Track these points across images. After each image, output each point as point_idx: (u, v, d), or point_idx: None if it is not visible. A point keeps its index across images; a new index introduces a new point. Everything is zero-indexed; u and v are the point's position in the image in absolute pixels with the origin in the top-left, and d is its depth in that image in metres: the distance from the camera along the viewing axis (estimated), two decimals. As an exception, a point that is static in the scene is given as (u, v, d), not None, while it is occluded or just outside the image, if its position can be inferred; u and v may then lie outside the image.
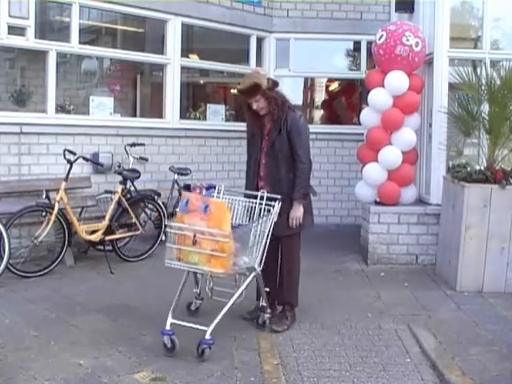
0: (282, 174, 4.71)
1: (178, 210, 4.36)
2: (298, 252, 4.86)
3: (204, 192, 4.68)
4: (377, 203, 7.14)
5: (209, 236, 4.07)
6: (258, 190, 4.70)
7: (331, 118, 10.29)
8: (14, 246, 6.08)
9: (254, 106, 4.66)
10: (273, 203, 4.48)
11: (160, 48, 8.34)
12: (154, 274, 6.41)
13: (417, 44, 6.93)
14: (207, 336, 4.06)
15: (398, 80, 6.93)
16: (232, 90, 10.42)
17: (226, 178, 8.72)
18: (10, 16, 6.63)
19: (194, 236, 4.07)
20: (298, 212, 4.68)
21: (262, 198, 4.53)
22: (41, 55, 7.21)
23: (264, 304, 4.69)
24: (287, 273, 4.83)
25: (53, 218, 6.08)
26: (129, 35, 9.28)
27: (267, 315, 4.70)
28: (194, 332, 4.15)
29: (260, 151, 4.79)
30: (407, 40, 6.91)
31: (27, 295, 5.46)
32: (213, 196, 4.71)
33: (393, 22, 7.84)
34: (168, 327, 4.16)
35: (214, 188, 4.75)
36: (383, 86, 7.04)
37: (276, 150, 4.70)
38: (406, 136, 7.02)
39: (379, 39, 7.08)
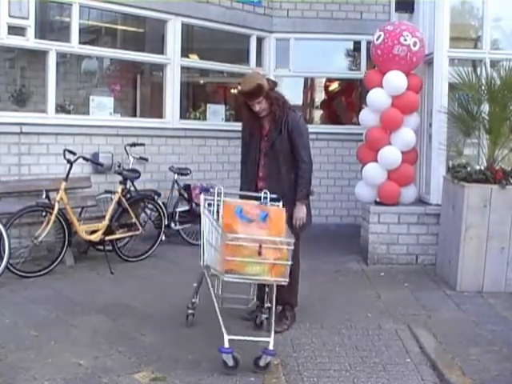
0: (282, 174, 4.70)
1: (221, 218, 4.09)
2: (298, 252, 4.81)
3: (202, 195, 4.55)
4: (377, 203, 7.14)
5: (271, 245, 3.91)
6: (257, 190, 4.64)
7: (331, 118, 10.29)
8: (14, 246, 6.08)
9: (257, 108, 4.63)
10: (276, 203, 4.43)
11: (160, 48, 8.34)
12: (154, 274, 6.41)
13: (415, 44, 6.93)
14: (271, 347, 3.92)
15: (396, 80, 6.93)
16: (232, 91, 10.42)
17: (225, 178, 8.72)
18: (10, 16, 6.63)
19: (260, 246, 3.85)
20: (301, 212, 4.67)
21: (264, 199, 4.43)
22: (41, 55, 7.21)
23: (269, 305, 4.54)
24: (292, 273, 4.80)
25: (53, 218, 6.08)
26: (129, 35, 9.28)
27: (265, 315, 4.67)
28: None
29: (259, 152, 4.76)
30: (405, 40, 6.91)
31: (27, 295, 5.46)
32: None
33: (391, 22, 7.85)
34: (227, 345, 3.92)
35: (209, 190, 4.71)
36: (382, 86, 7.04)
37: (276, 150, 4.69)
38: (406, 136, 7.02)
39: (377, 39, 7.09)
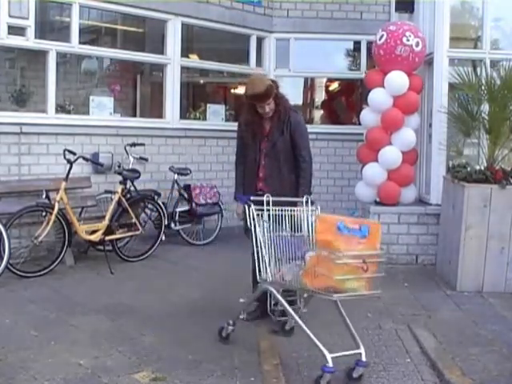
0: (284, 174, 4.74)
1: (324, 236, 3.78)
2: None
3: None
4: (377, 203, 7.14)
5: (371, 259, 3.74)
6: (257, 191, 4.68)
7: (331, 117, 10.29)
8: (14, 246, 6.08)
9: (266, 109, 4.66)
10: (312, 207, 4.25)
11: (160, 48, 8.34)
12: (154, 274, 6.41)
13: (417, 44, 6.94)
14: (363, 358, 3.83)
15: (398, 80, 6.93)
16: (235, 91, 10.44)
17: (225, 178, 8.72)
18: (10, 16, 6.64)
19: (364, 262, 3.66)
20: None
21: (294, 204, 4.24)
22: (41, 55, 7.21)
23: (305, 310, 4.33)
24: None
25: (53, 218, 6.08)
26: (129, 35, 9.28)
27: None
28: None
29: (259, 152, 4.78)
30: (407, 40, 6.91)
31: (27, 295, 5.46)
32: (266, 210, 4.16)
33: (393, 21, 7.86)
34: (331, 364, 3.66)
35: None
36: (383, 86, 7.04)
37: (277, 150, 4.72)
38: (406, 136, 7.02)
39: (379, 39, 7.08)
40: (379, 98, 7.05)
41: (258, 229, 4.05)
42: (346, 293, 3.71)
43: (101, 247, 6.71)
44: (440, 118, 6.88)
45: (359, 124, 7.86)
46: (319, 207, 4.24)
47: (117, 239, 6.78)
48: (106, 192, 7.15)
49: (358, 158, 7.57)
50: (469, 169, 6.14)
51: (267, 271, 4.00)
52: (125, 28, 9.22)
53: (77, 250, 6.78)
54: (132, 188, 7.20)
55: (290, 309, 3.94)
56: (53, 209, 6.09)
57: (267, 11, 9.21)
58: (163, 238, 7.26)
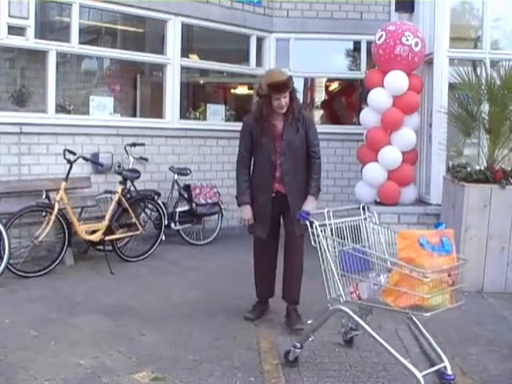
0: (300, 173, 4.71)
1: (405, 252, 3.55)
2: (303, 249, 4.82)
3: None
4: (377, 203, 7.14)
5: (455, 271, 3.56)
6: (273, 192, 4.70)
7: (331, 117, 10.29)
8: (14, 246, 6.08)
9: (282, 102, 4.57)
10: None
11: (160, 48, 8.34)
12: (154, 274, 6.41)
13: (416, 44, 6.94)
14: (449, 371, 3.73)
15: (397, 80, 6.93)
16: (236, 91, 10.42)
17: (226, 178, 8.72)
18: (10, 16, 6.64)
19: (449, 275, 3.50)
20: (311, 206, 4.62)
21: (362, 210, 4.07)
22: (41, 55, 7.21)
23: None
24: (297, 272, 4.82)
25: (53, 218, 6.08)
26: (129, 35, 9.28)
27: (356, 332, 4.31)
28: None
29: (274, 151, 4.67)
30: (407, 40, 6.92)
31: (27, 295, 5.46)
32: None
33: (392, 22, 7.85)
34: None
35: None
36: (383, 85, 7.04)
37: (294, 149, 4.66)
38: (406, 136, 7.03)
39: (379, 39, 7.09)
40: (379, 97, 7.05)
41: (324, 246, 3.81)
42: (432, 309, 3.51)
43: (101, 247, 6.71)
44: (440, 118, 6.88)
45: (359, 124, 7.86)
46: (375, 214, 4.07)
47: (117, 239, 6.78)
48: (106, 192, 7.15)
49: (357, 158, 7.57)
50: (469, 169, 6.15)
51: (339, 290, 3.73)
52: (125, 28, 9.22)
53: (77, 250, 6.78)
54: (132, 188, 7.20)
55: (370, 330, 3.70)
56: (53, 209, 6.09)
57: (267, 11, 9.21)
58: (163, 238, 7.26)
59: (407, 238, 3.58)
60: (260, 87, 4.64)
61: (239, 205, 4.80)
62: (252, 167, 4.82)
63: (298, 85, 10.24)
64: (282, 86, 4.54)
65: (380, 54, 7.09)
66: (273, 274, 4.94)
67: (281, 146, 4.66)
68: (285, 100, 4.58)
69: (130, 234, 6.96)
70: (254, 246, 4.92)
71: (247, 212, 4.76)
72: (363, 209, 4.07)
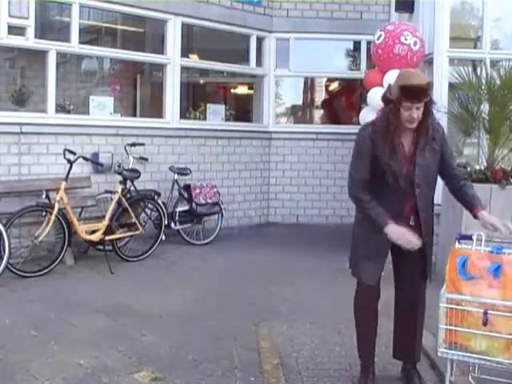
0: (431, 205, 3.77)
1: (457, 275, 3.18)
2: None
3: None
4: (377, 203, 7.13)
5: (507, 312, 2.95)
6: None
7: (331, 117, 10.29)
8: (14, 246, 6.08)
9: (414, 115, 3.47)
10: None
11: (160, 48, 8.34)
12: (154, 274, 6.41)
13: (415, 43, 6.95)
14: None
15: (397, 80, 6.93)
16: (236, 91, 10.36)
17: (225, 178, 8.73)
18: (10, 16, 6.64)
19: (485, 313, 2.97)
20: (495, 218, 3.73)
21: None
22: (41, 55, 7.21)
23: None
24: (421, 326, 3.93)
25: (53, 217, 6.08)
26: (129, 35, 9.29)
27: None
28: None
29: (402, 179, 3.54)
30: (405, 39, 6.93)
31: (27, 295, 5.46)
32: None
33: (391, 21, 7.86)
34: None
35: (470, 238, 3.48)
36: (382, 85, 7.04)
37: (429, 176, 3.64)
38: (406, 136, 7.03)
39: (378, 39, 7.10)
40: (378, 97, 7.04)
41: None
42: (469, 353, 3.06)
43: (101, 247, 6.71)
44: (440, 118, 6.86)
45: (359, 124, 7.85)
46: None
47: (117, 239, 6.78)
48: (106, 192, 7.15)
49: (358, 158, 7.57)
50: (469, 169, 6.14)
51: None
52: (125, 28, 9.22)
53: (77, 249, 6.78)
54: (132, 188, 7.20)
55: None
56: (53, 209, 6.09)
57: (267, 11, 9.21)
58: (163, 237, 7.26)
59: (454, 254, 3.22)
60: (389, 90, 3.59)
61: (384, 230, 3.49)
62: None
63: (298, 85, 10.27)
64: (419, 91, 3.46)
65: (379, 53, 7.10)
66: (376, 331, 3.94)
67: (411, 172, 3.56)
68: (417, 112, 3.50)
69: (130, 233, 6.96)
70: (358, 294, 3.91)
71: (397, 229, 3.46)
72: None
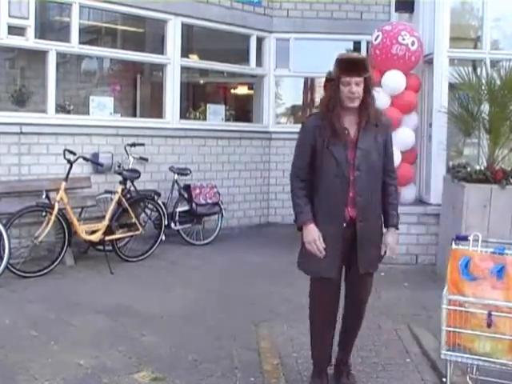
0: (376, 196, 3.53)
1: (459, 275, 3.11)
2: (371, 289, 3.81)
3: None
4: (377, 203, 7.13)
5: (510, 313, 2.94)
6: (345, 221, 3.44)
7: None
8: (14, 246, 6.08)
9: (354, 89, 3.36)
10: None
11: (160, 48, 8.34)
12: (154, 274, 6.41)
13: (413, 43, 6.95)
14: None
15: (395, 79, 6.94)
16: (236, 91, 10.34)
17: (226, 178, 8.73)
18: (10, 16, 6.64)
19: (489, 315, 2.95)
20: (397, 240, 3.63)
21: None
22: (41, 55, 7.21)
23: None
24: (359, 320, 3.77)
25: (53, 218, 6.08)
26: (129, 35, 9.29)
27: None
28: None
29: (346, 165, 3.40)
30: (403, 39, 6.93)
31: (27, 295, 5.46)
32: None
33: (389, 22, 7.87)
34: None
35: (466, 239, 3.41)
36: (380, 85, 7.04)
37: (372, 163, 3.45)
38: (405, 136, 7.02)
39: (375, 39, 7.11)
40: (377, 97, 7.04)
41: None
42: (473, 354, 3.02)
43: (101, 247, 6.71)
44: (440, 118, 6.88)
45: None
46: None
47: (117, 239, 6.78)
48: (106, 192, 7.15)
49: (357, 158, 7.57)
50: (469, 169, 6.14)
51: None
52: (125, 28, 9.22)
53: (77, 249, 6.78)
54: (132, 188, 7.20)
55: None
56: (53, 209, 6.09)
57: (267, 11, 9.22)
58: (163, 237, 7.26)
59: (456, 255, 3.16)
60: (330, 73, 3.61)
61: (300, 227, 3.46)
62: (314, 187, 3.49)
63: (298, 85, 10.26)
64: (357, 64, 3.42)
65: (377, 54, 7.10)
66: (334, 331, 3.73)
67: (354, 157, 3.41)
68: (358, 88, 3.38)
69: (130, 233, 6.96)
70: (313, 290, 3.62)
71: (313, 231, 3.39)
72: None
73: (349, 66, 3.42)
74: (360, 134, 3.43)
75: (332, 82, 3.52)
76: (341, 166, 3.39)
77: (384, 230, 3.61)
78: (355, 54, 3.61)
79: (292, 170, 3.56)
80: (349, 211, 3.43)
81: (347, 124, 3.45)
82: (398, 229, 3.61)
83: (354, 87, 3.38)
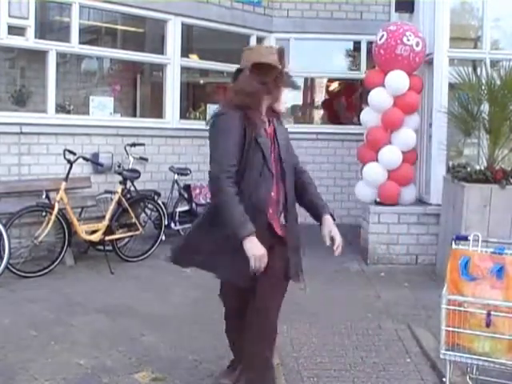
0: (293, 194, 3.31)
1: (460, 276, 3.10)
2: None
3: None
4: (377, 203, 7.14)
5: (510, 313, 2.94)
6: (266, 224, 3.11)
7: (331, 117, 10.29)
8: (14, 246, 6.08)
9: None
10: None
11: (160, 48, 8.35)
12: (154, 274, 6.41)
13: (417, 44, 6.95)
14: None
15: (398, 80, 6.93)
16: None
17: (225, 178, 8.70)
18: (9, 16, 6.64)
19: (489, 314, 2.94)
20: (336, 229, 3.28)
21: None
22: (41, 55, 7.21)
23: None
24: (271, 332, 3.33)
25: (53, 218, 6.08)
26: (129, 35, 9.28)
27: None
28: None
29: (266, 163, 3.10)
30: (408, 40, 6.92)
31: (27, 295, 5.45)
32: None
33: (393, 22, 7.86)
34: None
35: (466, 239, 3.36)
36: (383, 85, 7.04)
37: (288, 160, 3.25)
38: (406, 136, 7.02)
39: (380, 39, 7.09)
40: (379, 97, 7.06)
41: None
42: (473, 354, 3.03)
43: (101, 247, 6.71)
44: (440, 118, 6.88)
45: (359, 124, 7.86)
46: None
47: (117, 239, 6.78)
48: (106, 192, 7.15)
49: (358, 158, 7.57)
50: (469, 169, 6.15)
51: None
52: (125, 28, 9.22)
53: (77, 250, 6.78)
54: (132, 188, 7.20)
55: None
56: (53, 209, 6.09)
57: (267, 11, 9.21)
58: (163, 238, 7.26)
59: (456, 255, 3.15)
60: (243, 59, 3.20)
61: (242, 239, 2.96)
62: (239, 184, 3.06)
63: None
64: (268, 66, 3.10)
65: (381, 53, 7.09)
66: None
67: (275, 156, 3.16)
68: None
69: (130, 233, 6.96)
70: (224, 290, 3.66)
71: (258, 246, 2.96)
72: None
73: (263, 66, 3.10)
74: (276, 131, 3.21)
75: (257, 71, 3.09)
76: (267, 161, 3.08)
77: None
78: (271, 52, 3.16)
79: (218, 168, 3.00)
80: (269, 211, 3.12)
81: (258, 120, 3.13)
82: (334, 219, 3.30)
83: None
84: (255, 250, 2.96)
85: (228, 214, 2.99)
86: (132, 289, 5.82)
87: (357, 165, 7.88)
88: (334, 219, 3.29)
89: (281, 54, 3.15)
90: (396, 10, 8.09)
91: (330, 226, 3.25)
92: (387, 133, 7.10)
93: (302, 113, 10.68)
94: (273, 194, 3.14)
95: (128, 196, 6.98)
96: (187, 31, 8.73)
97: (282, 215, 3.21)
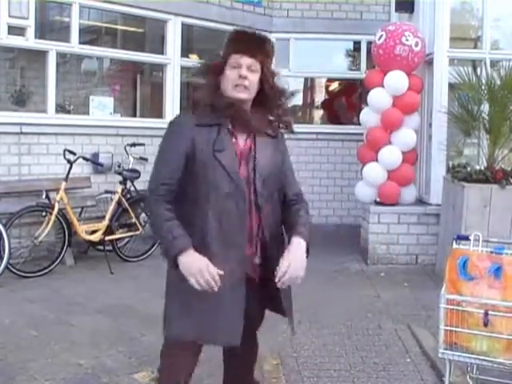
0: (278, 224, 2.74)
1: (457, 275, 3.09)
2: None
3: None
4: (377, 203, 7.14)
5: (507, 312, 2.93)
6: (246, 259, 2.62)
7: (331, 118, 10.29)
8: (14, 246, 6.08)
9: (243, 72, 2.51)
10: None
11: (160, 48, 8.34)
12: (154, 274, 6.40)
13: (416, 44, 6.95)
14: None
15: (397, 80, 6.94)
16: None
17: (225, 178, 8.69)
18: (9, 16, 6.63)
19: (486, 314, 2.94)
20: (303, 260, 2.70)
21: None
22: (41, 55, 7.21)
23: None
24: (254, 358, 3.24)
25: (53, 218, 6.09)
26: (129, 35, 9.28)
27: None
28: None
29: (241, 184, 2.56)
30: (407, 40, 6.92)
31: (27, 295, 5.46)
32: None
33: (392, 22, 7.87)
34: None
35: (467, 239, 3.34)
36: (383, 86, 7.05)
37: (271, 182, 2.64)
38: (406, 136, 7.03)
39: (379, 39, 7.10)
40: (379, 97, 7.06)
41: None
42: (471, 354, 3.03)
43: (101, 247, 6.71)
44: (440, 118, 6.88)
45: (359, 124, 7.86)
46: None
47: (117, 239, 6.78)
48: (106, 192, 7.15)
49: (358, 158, 7.57)
50: (469, 169, 6.15)
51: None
52: (125, 28, 9.21)
53: (77, 250, 6.78)
54: (132, 188, 7.20)
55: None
56: (53, 209, 6.09)
57: (267, 11, 9.21)
58: (163, 238, 7.25)
59: (455, 254, 3.14)
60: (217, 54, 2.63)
61: (175, 257, 2.48)
62: (190, 210, 2.60)
63: (298, 85, 10.25)
64: (253, 39, 2.55)
65: (380, 53, 7.09)
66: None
67: (250, 176, 2.58)
68: (250, 75, 2.53)
69: (130, 234, 6.96)
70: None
71: (200, 260, 2.45)
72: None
73: (243, 40, 2.55)
74: (257, 142, 2.60)
75: (218, 68, 2.57)
76: (235, 183, 2.54)
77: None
78: (258, 32, 2.59)
79: (153, 188, 2.73)
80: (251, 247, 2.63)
81: (237, 130, 2.60)
82: (305, 242, 2.71)
83: (244, 70, 2.51)
84: (193, 267, 2.43)
85: (159, 232, 2.53)
86: (132, 289, 5.82)
87: (357, 165, 7.87)
88: (307, 249, 2.69)
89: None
90: (396, 10, 8.10)
91: (290, 250, 2.58)
92: (387, 133, 7.10)
93: (301, 113, 10.68)
94: (254, 224, 2.60)
95: (128, 196, 6.98)
96: (187, 31, 8.72)
97: (258, 253, 2.63)
